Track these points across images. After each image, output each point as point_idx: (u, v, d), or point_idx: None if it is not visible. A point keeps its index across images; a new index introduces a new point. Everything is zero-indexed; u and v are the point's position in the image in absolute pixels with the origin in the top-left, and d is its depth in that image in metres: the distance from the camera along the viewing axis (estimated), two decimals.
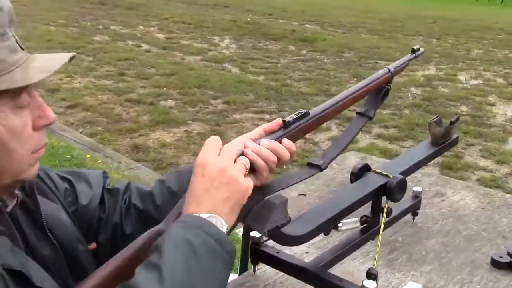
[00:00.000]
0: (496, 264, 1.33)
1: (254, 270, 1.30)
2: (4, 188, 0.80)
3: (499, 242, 1.45)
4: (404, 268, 1.32)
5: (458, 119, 1.53)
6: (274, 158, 0.91)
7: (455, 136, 1.52)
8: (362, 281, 1.07)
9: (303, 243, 1.08)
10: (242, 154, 0.90)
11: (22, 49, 0.78)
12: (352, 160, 1.99)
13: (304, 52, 9.71)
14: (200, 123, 5.64)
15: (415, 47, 1.33)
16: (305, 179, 1.05)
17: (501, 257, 1.34)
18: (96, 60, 8.29)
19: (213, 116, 5.87)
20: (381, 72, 1.23)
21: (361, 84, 1.19)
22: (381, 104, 1.25)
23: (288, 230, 0.99)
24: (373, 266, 1.14)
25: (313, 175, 1.05)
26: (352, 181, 1.30)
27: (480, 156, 4.92)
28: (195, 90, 6.86)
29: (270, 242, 1.27)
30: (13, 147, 0.76)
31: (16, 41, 0.77)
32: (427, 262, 1.35)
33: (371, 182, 1.24)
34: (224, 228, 0.79)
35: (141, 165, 4.55)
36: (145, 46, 9.72)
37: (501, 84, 7.82)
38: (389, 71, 1.24)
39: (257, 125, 1.03)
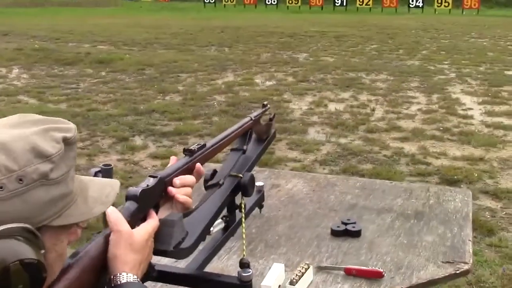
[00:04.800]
0: (335, 233, 1.57)
1: None
2: None
3: (332, 215, 1.70)
4: (264, 254, 1.49)
5: (274, 116, 1.75)
6: (189, 190, 1.07)
7: (273, 130, 1.75)
8: (238, 271, 1.19)
9: (191, 254, 1.17)
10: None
11: None
12: None
13: (103, 73, 9.53)
14: None
15: (264, 103, 1.64)
16: (210, 197, 1.25)
17: (338, 227, 1.58)
18: None
19: None
20: (246, 119, 1.49)
21: (234, 127, 1.42)
22: (249, 141, 1.51)
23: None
24: (243, 256, 1.27)
25: (215, 191, 1.27)
26: (206, 188, 1.42)
27: (288, 149, 5.42)
28: None
29: None
30: (57, 266, 0.78)
31: None
32: (282, 245, 1.53)
33: (226, 184, 1.37)
34: None
35: None
36: None
37: (291, 82, 8.66)
38: (251, 119, 1.50)
39: None
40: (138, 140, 5.72)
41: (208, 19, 21.67)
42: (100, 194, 0.83)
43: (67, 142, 0.76)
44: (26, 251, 0.68)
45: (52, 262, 0.76)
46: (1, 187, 0.68)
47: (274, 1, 34.10)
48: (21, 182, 0.69)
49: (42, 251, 0.71)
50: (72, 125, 0.79)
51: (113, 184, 0.87)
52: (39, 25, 18.16)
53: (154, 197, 1.03)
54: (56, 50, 12.04)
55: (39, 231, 0.71)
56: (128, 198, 0.97)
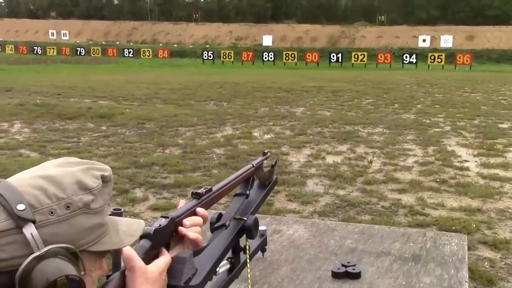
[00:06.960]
0: (336, 276, 1.62)
1: None
2: None
3: (333, 258, 1.75)
4: None
5: (276, 162, 1.84)
6: (199, 229, 1.13)
7: (275, 177, 1.83)
8: None
9: None
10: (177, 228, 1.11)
11: None
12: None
13: (104, 128, 9.68)
14: None
15: (265, 151, 1.69)
16: (216, 238, 1.32)
17: (338, 269, 1.64)
18: None
19: None
20: (248, 166, 1.55)
21: (237, 173, 1.48)
22: (252, 187, 1.57)
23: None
24: None
25: (221, 232, 1.33)
26: (212, 230, 1.48)
27: (287, 200, 5.47)
28: None
29: None
30: None
31: None
32: (285, 287, 1.58)
33: (231, 227, 1.44)
34: None
35: None
36: None
37: (289, 135, 8.80)
38: (253, 166, 1.56)
39: None
40: (138, 192, 5.77)
41: (207, 75, 22.15)
42: (128, 229, 0.94)
43: (104, 179, 0.87)
44: (70, 269, 0.77)
45: (88, 287, 0.84)
46: (52, 212, 0.79)
47: (271, 58, 34.95)
48: (68, 208, 0.80)
49: (82, 272, 0.79)
50: (108, 167, 0.91)
51: (139, 222, 0.97)
52: (41, 81, 18.54)
53: (165, 236, 1.10)
54: (58, 105, 12.26)
55: (80, 254, 0.80)
56: (142, 236, 1.04)
